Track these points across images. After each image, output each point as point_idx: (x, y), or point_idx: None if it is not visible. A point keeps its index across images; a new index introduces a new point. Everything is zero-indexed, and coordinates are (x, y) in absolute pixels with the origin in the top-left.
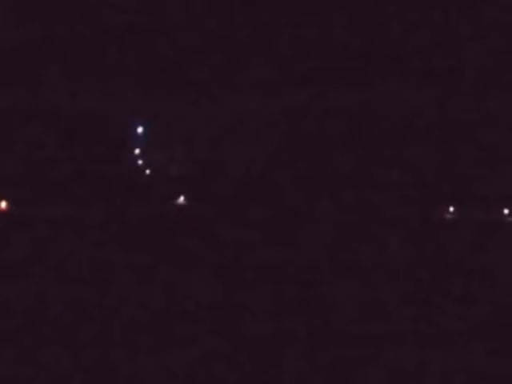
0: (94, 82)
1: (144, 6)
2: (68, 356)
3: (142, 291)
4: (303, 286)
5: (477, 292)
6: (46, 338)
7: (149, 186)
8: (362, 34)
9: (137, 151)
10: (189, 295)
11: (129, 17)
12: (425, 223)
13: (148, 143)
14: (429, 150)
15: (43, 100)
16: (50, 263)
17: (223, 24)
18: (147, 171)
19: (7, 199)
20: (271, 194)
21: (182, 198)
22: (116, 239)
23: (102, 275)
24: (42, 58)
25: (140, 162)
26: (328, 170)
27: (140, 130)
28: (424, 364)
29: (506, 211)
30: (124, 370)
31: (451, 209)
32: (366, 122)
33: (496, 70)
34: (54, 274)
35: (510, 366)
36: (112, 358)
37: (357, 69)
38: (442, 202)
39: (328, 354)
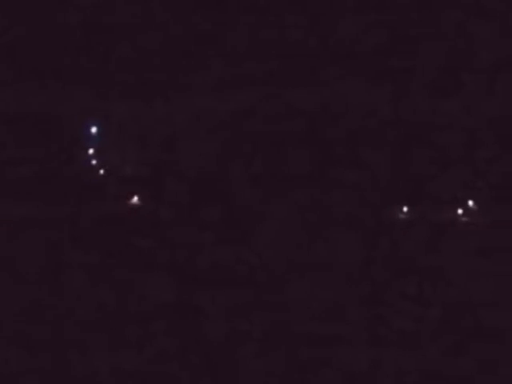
0: (46, 81)
1: (98, 6)
2: (20, 356)
3: (94, 292)
4: (257, 286)
5: (430, 292)
6: None
7: (103, 186)
8: (315, 33)
9: (91, 151)
10: (143, 296)
11: (81, 16)
12: (378, 223)
13: (102, 143)
14: (382, 150)
15: None
16: (1, 263)
17: (176, 24)
18: (101, 171)
19: None
20: (225, 194)
21: (135, 198)
22: (69, 239)
23: (54, 275)
24: None
25: (94, 161)
26: (282, 170)
27: (94, 129)
28: (378, 364)
29: (459, 211)
30: (77, 370)
31: (405, 209)
32: (319, 121)
33: (451, 71)
34: (6, 274)
35: (462, 366)
36: (65, 359)
37: (310, 69)
38: (396, 202)
39: (282, 354)
